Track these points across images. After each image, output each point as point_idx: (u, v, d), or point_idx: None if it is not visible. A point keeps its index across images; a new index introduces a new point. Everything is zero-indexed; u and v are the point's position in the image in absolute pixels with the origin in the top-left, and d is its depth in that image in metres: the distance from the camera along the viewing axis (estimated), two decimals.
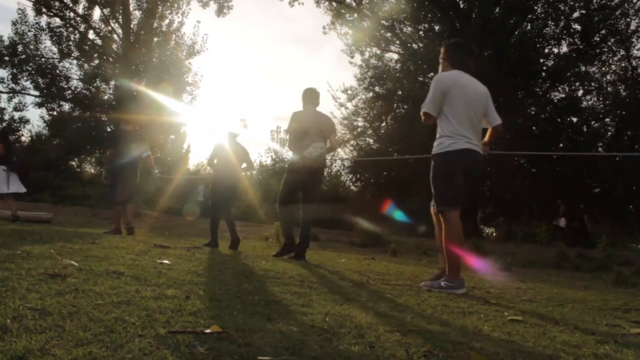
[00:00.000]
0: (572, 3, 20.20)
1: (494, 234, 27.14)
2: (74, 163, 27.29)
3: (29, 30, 22.15)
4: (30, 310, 1.89)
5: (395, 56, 23.50)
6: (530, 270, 9.84)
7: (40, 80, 22.33)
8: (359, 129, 22.81)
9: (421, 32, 22.53)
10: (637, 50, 20.86)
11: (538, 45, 20.82)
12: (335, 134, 6.22)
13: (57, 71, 22.64)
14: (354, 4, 23.19)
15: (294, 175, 5.99)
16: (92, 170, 28.69)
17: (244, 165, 7.23)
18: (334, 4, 23.61)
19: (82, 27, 22.72)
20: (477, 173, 4.28)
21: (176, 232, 8.05)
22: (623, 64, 21.02)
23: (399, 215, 17.50)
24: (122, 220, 8.15)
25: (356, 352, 1.82)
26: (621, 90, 20.72)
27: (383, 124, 22.79)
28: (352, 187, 24.54)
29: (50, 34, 22.16)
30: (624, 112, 19.24)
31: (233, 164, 7.00)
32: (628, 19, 20.11)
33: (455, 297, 3.71)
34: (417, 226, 16.16)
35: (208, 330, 1.84)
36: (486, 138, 4.57)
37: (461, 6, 21.06)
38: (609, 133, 20.07)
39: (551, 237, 18.84)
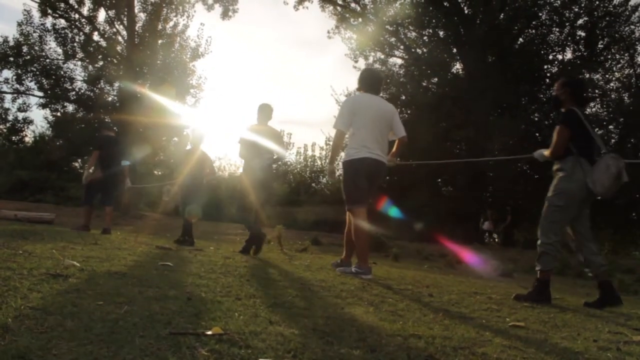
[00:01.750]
0: (576, 10, 20.20)
1: (496, 239, 27.09)
2: (77, 164, 27.31)
3: (34, 31, 22.21)
4: (32, 310, 1.89)
5: (399, 61, 23.53)
6: (532, 276, 9.79)
7: (44, 81, 22.36)
8: None
9: (425, 38, 22.56)
10: None
11: (542, 52, 20.83)
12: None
13: (62, 72, 22.67)
14: (358, 8, 23.21)
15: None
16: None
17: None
18: (338, 8, 23.63)
19: (87, 29, 22.76)
20: (379, 178, 5.16)
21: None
22: (627, 72, 20.98)
23: (394, 212, 17.46)
24: (105, 221, 8.46)
25: (357, 356, 1.82)
26: (625, 97, 20.67)
27: None
28: None
29: (55, 35, 22.21)
30: (627, 120, 19.20)
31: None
32: (632, 26, 20.08)
33: (457, 303, 3.70)
34: (414, 224, 16.17)
35: (209, 332, 1.84)
36: (394, 149, 5.36)
37: (466, 12, 21.08)
38: (613, 140, 20.02)
39: (483, 241, 19.00)
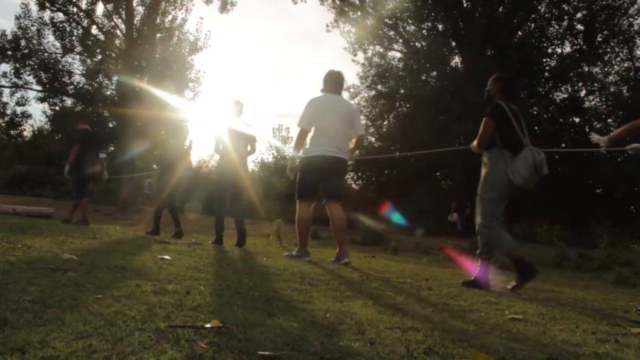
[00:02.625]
0: (575, 3, 20.17)
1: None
2: None
3: (32, 25, 22.12)
4: (31, 303, 1.89)
5: (398, 55, 23.52)
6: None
7: (42, 75, 22.29)
8: None
9: (424, 31, 22.52)
10: None
11: (541, 45, 20.81)
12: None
13: (60, 66, 22.59)
14: (357, 2, 23.16)
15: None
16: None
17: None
18: (337, 1, 23.57)
19: (85, 23, 22.66)
20: (338, 173, 5.45)
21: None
22: (626, 65, 20.99)
23: (397, 218, 17.50)
24: (80, 211, 8.74)
25: (356, 349, 1.82)
26: (624, 90, 20.68)
27: (385, 123, 22.80)
28: (354, 186, 24.54)
29: (53, 28, 22.12)
30: (626, 113, 19.19)
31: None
32: (631, 19, 20.08)
33: (455, 296, 3.70)
34: (416, 230, 16.21)
35: (208, 325, 1.84)
36: (353, 146, 5.76)
37: (465, 5, 21.04)
38: (612, 134, 20.03)
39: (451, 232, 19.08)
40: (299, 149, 5.52)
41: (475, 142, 4.70)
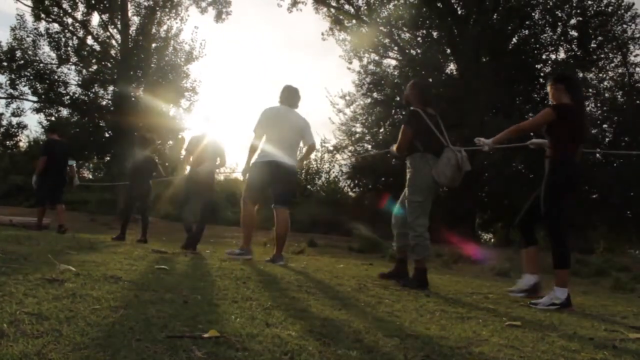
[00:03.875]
0: (569, 10, 20.27)
1: (492, 240, 27.13)
2: None
3: (28, 36, 22.11)
4: (27, 315, 1.88)
5: (394, 62, 23.55)
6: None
7: (38, 85, 22.25)
8: (357, 135, 22.82)
9: (419, 38, 22.59)
10: (634, 56, 20.89)
11: (535, 52, 20.90)
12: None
13: (56, 76, 22.56)
14: (352, 10, 23.22)
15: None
16: (90, 176, 28.66)
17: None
18: (332, 10, 23.64)
19: (80, 33, 22.67)
20: (287, 179, 5.78)
21: (173, 237, 8.06)
22: (620, 70, 21.07)
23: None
24: (59, 219, 9.19)
25: (354, 357, 1.82)
26: (618, 96, 20.76)
27: (381, 130, 22.81)
28: (351, 193, 24.53)
29: (48, 39, 22.10)
30: (621, 118, 19.28)
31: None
32: (624, 26, 20.17)
33: (453, 303, 3.70)
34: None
35: (206, 335, 1.83)
36: (304, 154, 6.29)
37: (459, 12, 21.14)
38: (607, 139, 20.09)
39: None
40: (253, 153, 5.81)
41: (394, 148, 4.96)
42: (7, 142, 24.41)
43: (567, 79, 4.45)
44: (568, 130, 4.16)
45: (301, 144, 6.10)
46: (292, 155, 5.83)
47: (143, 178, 8.62)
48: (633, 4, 19.88)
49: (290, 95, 5.98)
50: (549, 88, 4.44)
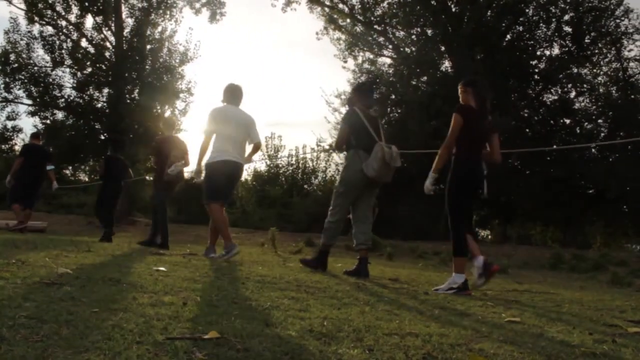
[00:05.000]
0: (562, 5, 20.31)
1: (489, 236, 27.18)
2: (67, 172, 27.13)
3: (22, 39, 21.99)
4: (27, 319, 1.87)
5: (388, 60, 23.57)
6: (526, 271, 9.86)
7: (33, 88, 22.14)
8: None
9: (414, 36, 22.60)
10: (628, 51, 20.93)
11: (530, 48, 20.93)
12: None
13: (50, 79, 22.47)
14: (346, 9, 23.22)
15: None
16: (87, 179, 28.59)
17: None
18: (326, 9, 23.63)
19: (74, 36, 22.58)
20: (237, 176, 6.12)
21: (171, 239, 8.04)
22: (614, 65, 21.13)
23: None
24: (24, 219, 9.58)
25: (355, 356, 1.82)
26: (613, 91, 20.81)
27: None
28: None
29: (42, 42, 21.99)
30: (616, 113, 19.32)
31: None
32: (618, 21, 20.22)
33: (452, 300, 3.71)
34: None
35: (206, 336, 1.83)
36: (250, 152, 6.22)
37: (453, 10, 21.15)
38: (602, 134, 20.15)
39: None
40: (204, 154, 5.97)
41: (334, 144, 5.32)
42: (2, 146, 24.29)
43: (476, 84, 4.78)
44: (468, 131, 4.44)
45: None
46: (241, 153, 6.05)
47: (115, 179, 8.94)
48: None
49: (233, 94, 6.16)
50: (459, 91, 4.76)
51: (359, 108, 5.24)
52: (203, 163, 5.95)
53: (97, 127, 22.98)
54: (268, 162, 24.52)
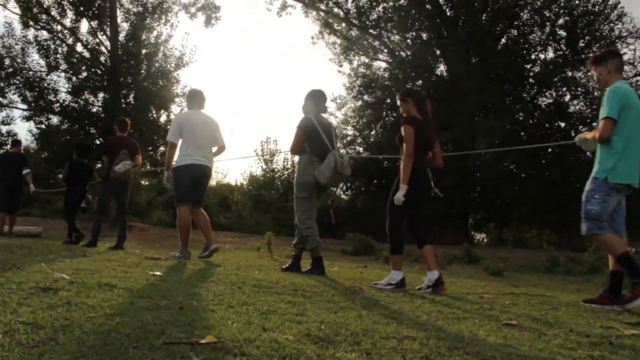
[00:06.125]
0: (556, 10, 20.41)
1: (485, 240, 27.22)
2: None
3: (16, 44, 21.95)
4: (23, 325, 1.86)
5: (384, 64, 23.63)
6: (522, 275, 9.87)
7: (28, 93, 22.07)
8: (349, 138, 22.87)
9: (409, 40, 22.66)
10: (622, 54, 21.00)
11: (524, 52, 21.03)
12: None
13: (45, 84, 22.40)
14: (341, 13, 23.27)
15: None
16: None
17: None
18: (321, 13, 23.67)
19: (70, 40, 22.55)
20: (205, 178, 6.25)
21: (167, 243, 8.00)
22: None
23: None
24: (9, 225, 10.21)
25: None
26: None
27: (372, 132, 22.85)
28: (343, 196, 24.55)
29: (37, 47, 21.93)
30: None
31: None
32: (611, 25, 20.34)
33: (449, 303, 3.71)
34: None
35: (203, 341, 1.82)
36: (215, 152, 6.40)
37: (448, 14, 21.22)
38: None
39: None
40: (171, 159, 6.20)
41: (289, 149, 5.50)
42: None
43: (414, 94, 4.97)
44: (416, 140, 4.66)
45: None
46: (207, 156, 6.22)
47: (80, 183, 9.16)
48: (619, 2, 20.07)
49: (196, 99, 6.39)
50: (398, 103, 4.94)
51: (313, 115, 5.41)
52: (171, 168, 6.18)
53: (92, 131, 22.91)
54: (263, 167, 24.49)
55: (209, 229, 6.34)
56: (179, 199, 6.06)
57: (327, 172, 5.08)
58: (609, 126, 4.08)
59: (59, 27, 22.38)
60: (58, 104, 22.76)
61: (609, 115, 4.06)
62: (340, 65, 23.72)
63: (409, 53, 22.31)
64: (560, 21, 20.68)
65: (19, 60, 22.01)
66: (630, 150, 4.10)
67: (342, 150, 22.52)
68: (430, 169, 5.03)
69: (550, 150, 20.13)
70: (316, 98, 5.54)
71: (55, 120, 23.29)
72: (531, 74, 21.05)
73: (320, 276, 4.99)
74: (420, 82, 21.93)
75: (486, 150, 15.31)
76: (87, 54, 22.68)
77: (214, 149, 6.41)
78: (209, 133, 6.24)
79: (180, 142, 6.12)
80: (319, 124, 5.36)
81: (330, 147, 5.26)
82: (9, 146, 23.12)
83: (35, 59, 22.41)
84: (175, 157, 6.17)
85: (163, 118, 22.97)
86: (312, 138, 5.28)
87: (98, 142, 22.57)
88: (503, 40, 21.39)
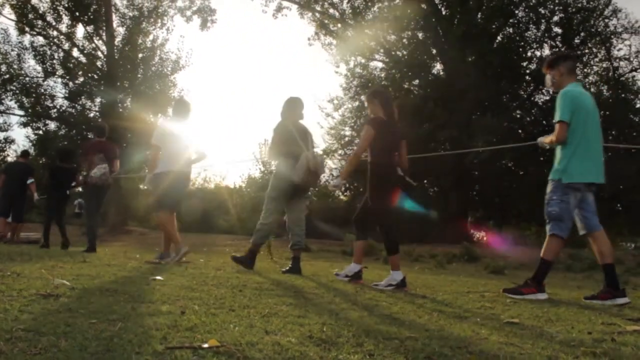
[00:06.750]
0: (552, 7, 20.42)
1: (485, 238, 27.20)
2: None
3: (12, 50, 21.99)
4: (24, 332, 1.86)
5: (380, 64, 23.59)
6: (522, 272, 9.86)
7: (24, 99, 22.09)
8: (347, 139, 22.82)
9: (405, 40, 22.64)
10: (618, 50, 21.02)
11: (520, 49, 21.03)
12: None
13: (42, 90, 22.44)
14: (337, 14, 23.25)
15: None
16: (80, 189, 28.45)
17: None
18: (317, 14, 23.66)
19: (66, 45, 22.58)
20: (185, 184, 6.55)
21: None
22: (604, 65, 21.24)
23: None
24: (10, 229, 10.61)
25: None
26: (604, 90, 20.92)
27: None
28: (342, 197, 24.53)
29: (33, 53, 21.97)
30: (607, 112, 19.41)
31: None
32: (607, 21, 20.36)
33: (450, 303, 3.71)
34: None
35: (206, 345, 1.82)
36: (194, 158, 6.54)
37: (443, 13, 21.22)
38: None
39: None
40: (155, 165, 6.30)
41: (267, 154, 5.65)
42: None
43: (380, 95, 5.16)
44: (381, 141, 4.82)
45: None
46: (188, 163, 6.44)
47: (62, 187, 9.27)
48: None
49: (181, 109, 6.67)
50: (366, 103, 5.14)
51: (290, 119, 5.66)
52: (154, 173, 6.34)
53: (89, 136, 22.90)
54: (262, 169, 24.46)
55: (175, 235, 6.45)
56: (160, 205, 6.25)
57: (301, 172, 5.29)
58: (563, 129, 4.26)
59: (55, 33, 22.42)
60: (55, 110, 22.79)
61: (562, 119, 4.26)
62: (337, 67, 23.69)
63: (405, 52, 22.29)
64: (556, 18, 20.68)
65: (15, 66, 22.04)
66: (582, 149, 4.26)
67: (340, 151, 22.56)
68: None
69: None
70: (293, 104, 5.78)
71: (52, 125, 23.34)
72: (527, 71, 21.04)
73: (249, 269, 5.39)
74: (417, 81, 21.92)
75: (484, 148, 15.33)
76: (83, 59, 22.70)
77: (194, 157, 6.57)
78: (189, 141, 6.43)
79: (163, 148, 6.27)
80: (295, 127, 5.60)
81: (305, 149, 5.47)
82: (8, 154, 23.23)
83: (31, 65, 22.49)
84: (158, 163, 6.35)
85: (160, 122, 22.94)
86: (288, 141, 5.50)
87: None
88: (499, 38, 21.38)
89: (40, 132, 22.98)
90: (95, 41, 22.62)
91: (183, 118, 6.54)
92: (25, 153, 11.91)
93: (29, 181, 10.61)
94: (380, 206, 4.81)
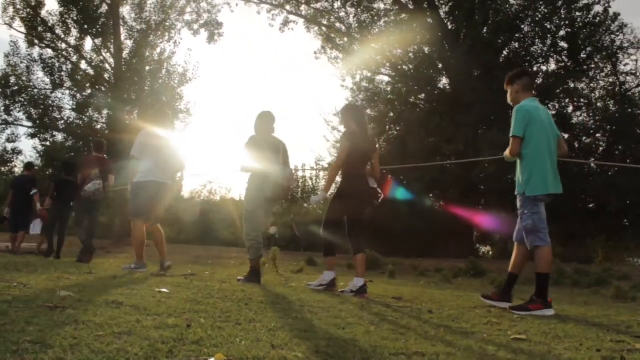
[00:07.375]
0: (558, 22, 20.47)
1: (490, 252, 27.06)
2: None
3: (22, 62, 22.19)
4: (31, 344, 1.86)
5: (386, 78, 23.67)
6: (529, 288, 9.78)
7: (33, 111, 22.25)
8: None
9: (411, 54, 22.73)
10: (624, 65, 21.06)
11: (526, 64, 21.06)
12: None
13: (50, 102, 22.60)
14: (343, 28, 23.39)
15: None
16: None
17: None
18: (323, 29, 23.80)
19: (74, 58, 22.77)
20: (163, 195, 6.34)
21: (171, 259, 7.97)
22: (610, 80, 21.24)
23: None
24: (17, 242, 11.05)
25: None
26: (610, 105, 20.89)
27: (376, 147, 22.83)
28: None
29: (42, 65, 22.17)
30: (614, 127, 19.37)
31: None
32: (613, 36, 20.38)
33: (457, 318, 3.68)
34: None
35: (212, 359, 1.81)
36: (175, 173, 6.68)
37: (450, 27, 21.30)
38: (601, 148, 20.17)
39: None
40: (135, 175, 6.29)
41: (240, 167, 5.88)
42: (2, 168, 24.32)
43: (353, 110, 5.58)
44: (352, 153, 5.11)
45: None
46: (167, 174, 6.42)
47: (66, 200, 9.36)
48: (619, 14, 20.13)
49: (164, 119, 6.82)
50: (340, 119, 5.38)
51: (261, 134, 5.78)
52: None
53: (86, 152, 23.06)
54: None
55: (164, 246, 6.48)
56: (134, 214, 6.24)
57: (271, 185, 5.49)
58: (517, 144, 4.47)
59: (64, 45, 22.61)
60: (62, 121, 22.91)
61: (514, 134, 4.47)
62: (343, 80, 23.79)
63: (411, 66, 22.38)
64: (562, 33, 20.74)
65: (24, 78, 22.21)
66: (538, 162, 4.45)
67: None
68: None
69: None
70: (264, 119, 5.87)
71: (59, 137, 23.44)
72: (534, 85, 21.10)
73: (255, 284, 5.25)
74: (423, 95, 21.99)
75: (485, 158, 15.29)
76: (91, 72, 22.87)
77: (175, 168, 6.63)
78: (170, 153, 6.45)
79: (144, 158, 6.29)
80: (266, 142, 5.71)
81: (276, 163, 5.62)
82: (15, 165, 23.37)
83: (40, 77, 22.65)
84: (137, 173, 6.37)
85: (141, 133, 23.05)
86: (258, 155, 5.61)
87: (104, 157, 22.66)
88: (505, 52, 21.44)
89: (48, 143, 23.11)
90: (103, 54, 22.82)
91: (164, 127, 6.62)
92: (29, 165, 12.25)
93: (32, 192, 10.98)
94: (334, 214, 5.21)
